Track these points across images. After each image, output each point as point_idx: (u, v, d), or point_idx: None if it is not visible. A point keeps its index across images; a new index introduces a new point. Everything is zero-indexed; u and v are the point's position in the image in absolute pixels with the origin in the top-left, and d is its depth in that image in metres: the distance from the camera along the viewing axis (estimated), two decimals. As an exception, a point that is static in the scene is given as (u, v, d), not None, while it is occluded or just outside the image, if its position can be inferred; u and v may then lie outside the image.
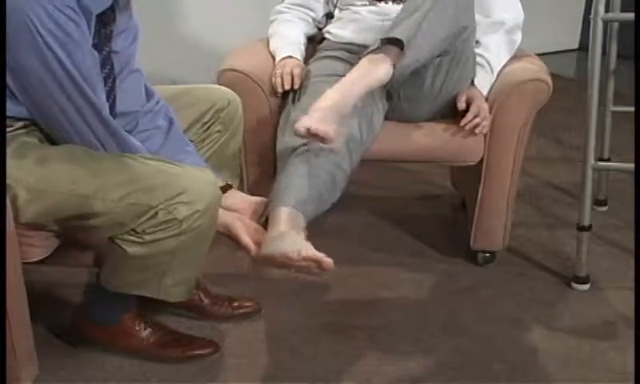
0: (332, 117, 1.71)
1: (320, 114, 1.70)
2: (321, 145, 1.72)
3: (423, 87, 1.98)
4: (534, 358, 1.81)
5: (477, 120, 1.97)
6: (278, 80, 2.03)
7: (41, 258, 1.70)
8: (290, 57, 2.11)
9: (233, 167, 1.91)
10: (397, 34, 1.80)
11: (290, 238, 1.57)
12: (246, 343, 1.83)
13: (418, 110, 2.03)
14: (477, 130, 1.98)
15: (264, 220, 1.69)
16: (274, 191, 1.73)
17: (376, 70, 1.80)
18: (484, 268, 2.19)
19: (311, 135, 1.68)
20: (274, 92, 2.05)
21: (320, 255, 1.50)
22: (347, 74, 1.81)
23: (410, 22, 1.81)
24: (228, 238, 1.65)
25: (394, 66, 1.80)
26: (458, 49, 1.93)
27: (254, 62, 2.09)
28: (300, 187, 1.71)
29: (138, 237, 1.51)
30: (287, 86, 2.02)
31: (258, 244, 1.61)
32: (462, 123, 1.97)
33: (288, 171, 1.76)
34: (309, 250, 1.52)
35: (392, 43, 1.80)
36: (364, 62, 1.82)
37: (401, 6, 2.07)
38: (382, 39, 1.82)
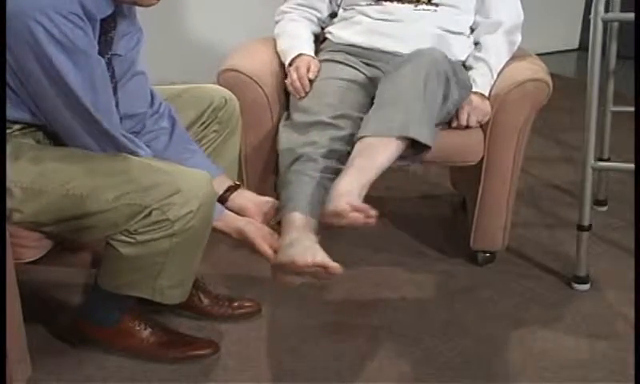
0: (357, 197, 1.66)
1: (349, 196, 1.63)
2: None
3: None
4: (533, 358, 1.81)
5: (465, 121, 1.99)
6: (297, 85, 2.00)
7: (34, 258, 1.70)
8: (302, 54, 2.09)
9: (231, 169, 1.90)
10: (410, 132, 1.74)
11: (302, 245, 1.58)
12: (245, 343, 1.83)
13: None
14: (471, 123, 1.99)
15: (274, 223, 1.69)
16: (286, 195, 1.73)
17: (384, 154, 1.74)
18: (484, 268, 2.19)
19: (353, 210, 1.60)
20: (275, 91, 2.05)
21: (327, 261, 1.51)
22: (355, 159, 1.72)
23: (410, 109, 1.76)
24: (242, 244, 1.66)
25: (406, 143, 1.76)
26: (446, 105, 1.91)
27: (255, 62, 2.09)
28: (312, 192, 1.72)
29: (131, 237, 1.52)
30: (307, 90, 2.00)
31: (274, 249, 1.62)
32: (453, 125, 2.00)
33: (300, 175, 1.76)
34: (317, 255, 1.52)
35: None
36: (369, 146, 1.73)
37: (405, 5, 2.06)
38: (395, 134, 1.74)
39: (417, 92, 1.79)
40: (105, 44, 1.53)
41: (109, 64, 1.55)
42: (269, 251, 1.63)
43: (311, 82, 2.02)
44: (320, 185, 1.74)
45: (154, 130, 1.68)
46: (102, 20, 1.49)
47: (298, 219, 1.67)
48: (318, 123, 1.87)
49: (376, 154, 1.73)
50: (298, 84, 2.01)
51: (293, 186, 1.75)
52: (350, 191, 1.64)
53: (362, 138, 1.76)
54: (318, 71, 2.04)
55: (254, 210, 1.74)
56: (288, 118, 1.98)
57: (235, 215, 1.69)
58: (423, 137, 1.76)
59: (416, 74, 1.81)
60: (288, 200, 1.72)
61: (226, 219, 1.66)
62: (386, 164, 1.75)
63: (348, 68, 2.06)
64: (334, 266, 1.51)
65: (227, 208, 1.71)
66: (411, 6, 2.07)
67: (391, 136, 1.74)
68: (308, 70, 2.03)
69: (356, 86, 2.00)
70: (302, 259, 1.52)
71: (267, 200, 1.77)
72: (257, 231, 1.65)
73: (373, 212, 1.59)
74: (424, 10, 2.06)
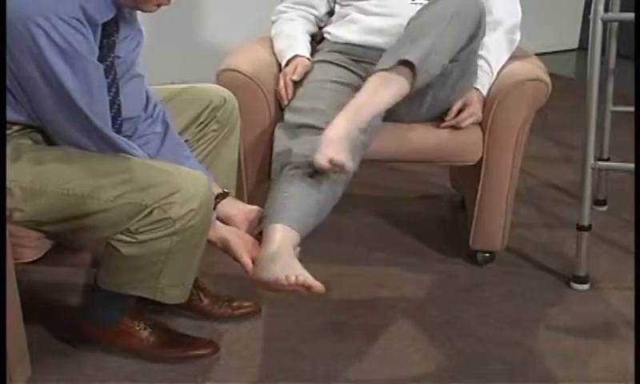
0: (345, 146, 1.70)
1: (336, 145, 1.68)
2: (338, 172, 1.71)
3: (424, 102, 1.97)
4: (533, 358, 1.81)
5: (462, 119, 2.00)
6: (282, 93, 2.01)
7: (33, 258, 1.69)
8: (297, 56, 2.09)
9: (229, 169, 1.90)
10: (410, 56, 1.77)
11: (282, 260, 1.57)
12: (245, 343, 1.83)
13: (415, 116, 2.03)
14: (462, 125, 2.01)
15: (258, 232, 1.68)
16: (270, 205, 1.71)
17: (386, 92, 1.78)
18: (484, 268, 2.19)
19: (333, 165, 1.67)
20: (274, 94, 2.05)
21: (310, 280, 1.51)
22: (356, 96, 1.78)
23: (425, 42, 1.78)
24: (225, 253, 1.66)
25: (411, 86, 1.78)
26: (466, 58, 1.92)
27: (254, 62, 2.09)
28: (296, 203, 1.70)
29: (132, 237, 1.52)
30: (289, 97, 2.00)
31: (254, 261, 1.62)
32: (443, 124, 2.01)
33: (285, 185, 1.74)
34: (299, 274, 1.52)
35: (404, 64, 1.77)
36: (375, 81, 1.79)
37: None
38: (396, 60, 1.78)
39: (438, 25, 1.79)
40: (107, 47, 1.53)
41: (111, 67, 1.55)
42: (249, 265, 1.62)
43: (296, 83, 2.02)
44: (302, 197, 1.71)
45: (147, 135, 1.68)
46: (105, 24, 1.49)
47: (279, 231, 1.64)
48: (306, 126, 1.87)
49: (379, 91, 1.77)
50: (283, 92, 2.01)
51: (277, 196, 1.73)
52: (339, 137, 1.69)
53: (374, 72, 1.80)
54: (308, 73, 2.04)
55: (241, 219, 1.73)
56: (283, 117, 1.98)
57: (221, 224, 1.68)
58: (414, 58, 1.75)
59: (445, 10, 1.82)
60: (270, 210, 1.70)
61: (214, 227, 1.65)
62: (388, 100, 1.78)
63: (342, 69, 2.05)
64: (318, 285, 1.51)
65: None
66: (408, 1, 2.06)
67: (392, 67, 1.77)
68: (294, 74, 2.02)
69: (349, 90, 1.99)
70: (283, 279, 1.51)
71: (254, 209, 1.76)
72: (240, 242, 1.65)
73: (348, 167, 1.66)
74: (421, 3, 2.05)
